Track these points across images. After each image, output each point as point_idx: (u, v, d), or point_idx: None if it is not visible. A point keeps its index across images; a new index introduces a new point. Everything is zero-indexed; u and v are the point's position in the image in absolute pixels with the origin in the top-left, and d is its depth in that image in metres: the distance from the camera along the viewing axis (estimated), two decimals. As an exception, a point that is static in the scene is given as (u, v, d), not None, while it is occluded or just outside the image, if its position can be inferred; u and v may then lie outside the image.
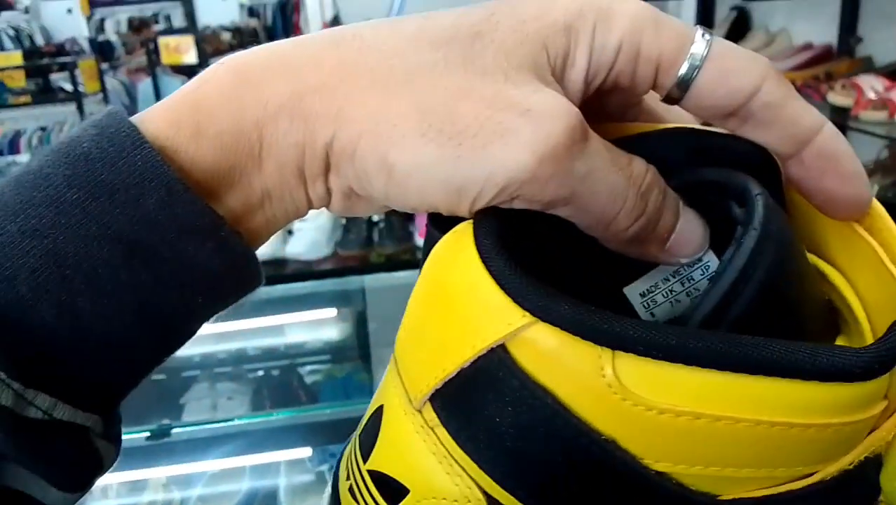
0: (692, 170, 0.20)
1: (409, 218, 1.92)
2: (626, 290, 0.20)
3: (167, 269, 0.18)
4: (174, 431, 0.77)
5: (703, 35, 0.18)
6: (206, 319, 0.20)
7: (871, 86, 1.40)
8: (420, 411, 0.18)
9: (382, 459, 0.19)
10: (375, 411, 0.19)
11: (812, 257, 0.20)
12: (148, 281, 0.18)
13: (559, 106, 0.17)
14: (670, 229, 0.18)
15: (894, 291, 0.18)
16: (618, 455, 0.16)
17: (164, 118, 0.19)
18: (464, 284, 0.17)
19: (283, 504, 0.90)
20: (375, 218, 1.87)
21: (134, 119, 0.19)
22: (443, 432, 0.18)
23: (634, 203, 0.18)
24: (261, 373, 1.58)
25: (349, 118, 0.18)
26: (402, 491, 0.18)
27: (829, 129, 0.18)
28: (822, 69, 1.60)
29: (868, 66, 1.57)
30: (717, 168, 0.19)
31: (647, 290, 0.20)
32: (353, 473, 0.20)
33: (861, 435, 0.17)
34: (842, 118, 1.41)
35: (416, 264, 0.26)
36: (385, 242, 1.74)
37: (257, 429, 0.88)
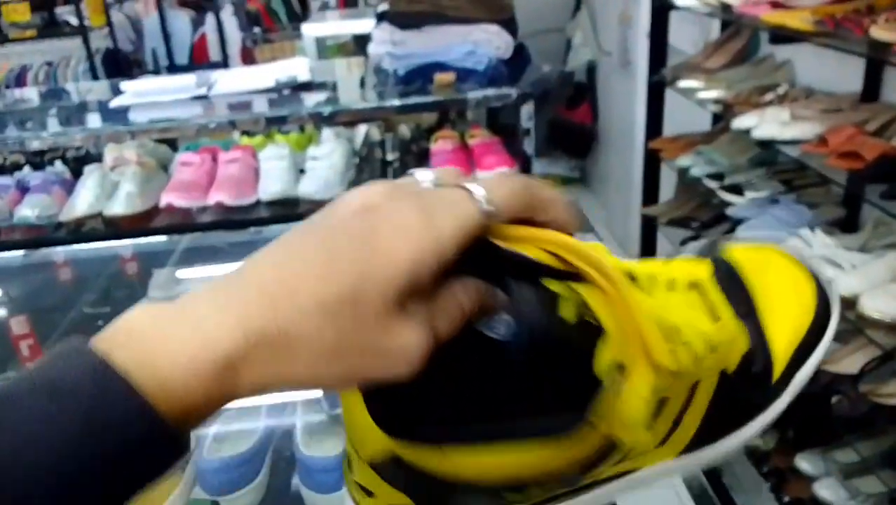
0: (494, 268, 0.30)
1: (423, 158, 1.87)
2: (478, 325, 0.31)
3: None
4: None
5: (482, 201, 0.29)
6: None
7: (918, 19, 1.32)
8: (369, 465, 0.32)
9: (360, 477, 0.33)
10: (349, 455, 0.34)
11: (574, 284, 0.29)
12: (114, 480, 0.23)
13: (415, 343, 0.27)
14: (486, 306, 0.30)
15: (615, 302, 0.29)
16: (473, 483, 0.30)
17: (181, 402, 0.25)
18: (368, 426, 0.30)
19: (300, 443, 0.88)
20: (390, 157, 1.82)
21: (153, 393, 0.24)
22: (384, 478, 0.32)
23: (469, 310, 0.29)
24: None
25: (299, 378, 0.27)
26: (371, 494, 0.33)
27: (559, 198, 0.32)
28: (863, 2, 1.51)
29: (913, -1, 1.49)
30: (501, 268, 0.30)
31: (490, 325, 0.31)
32: (349, 481, 0.35)
33: (585, 448, 0.29)
34: (883, 54, 1.33)
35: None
36: (400, 182, 1.70)
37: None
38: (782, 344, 0.38)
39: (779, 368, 0.37)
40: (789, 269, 0.40)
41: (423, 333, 0.27)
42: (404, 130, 1.95)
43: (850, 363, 1.52)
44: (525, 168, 1.68)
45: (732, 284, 0.39)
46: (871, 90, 1.68)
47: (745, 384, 0.36)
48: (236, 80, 1.74)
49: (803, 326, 0.38)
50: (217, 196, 1.63)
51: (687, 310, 0.35)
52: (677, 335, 0.31)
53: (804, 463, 1.64)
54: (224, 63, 3.82)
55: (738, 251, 0.41)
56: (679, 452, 0.37)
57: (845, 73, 1.73)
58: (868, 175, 1.41)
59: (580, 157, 3.94)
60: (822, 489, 1.58)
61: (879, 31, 1.33)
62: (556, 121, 3.81)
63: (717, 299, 0.37)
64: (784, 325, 0.38)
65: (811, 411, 1.59)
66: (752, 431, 0.38)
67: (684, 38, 2.35)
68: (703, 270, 0.38)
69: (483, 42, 1.61)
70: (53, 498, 0.22)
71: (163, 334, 0.25)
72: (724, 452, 0.38)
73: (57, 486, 0.22)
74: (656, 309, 0.31)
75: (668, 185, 2.35)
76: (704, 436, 0.36)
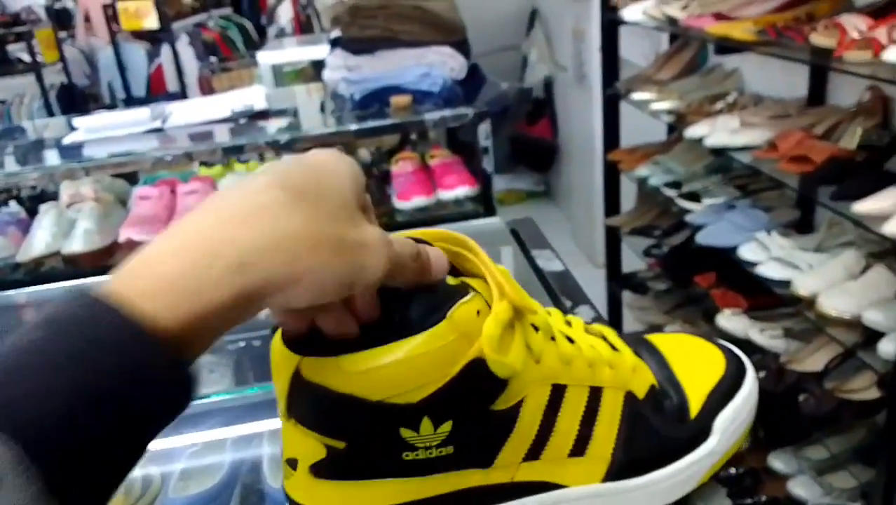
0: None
1: (386, 181, 1.87)
2: None
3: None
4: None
5: None
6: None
7: (855, 25, 1.36)
8: (287, 418, 0.36)
9: (289, 450, 0.37)
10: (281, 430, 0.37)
11: (468, 280, 0.37)
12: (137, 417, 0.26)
13: (380, 238, 0.31)
14: (430, 266, 0.35)
15: (495, 284, 0.36)
16: (362, 399, 0.33)
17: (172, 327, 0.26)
18: (281, 352, 0.34)
19: (268, 476, 0.86)
20: (351, 181, 1.81)
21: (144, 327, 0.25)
22: (297, 423, 0.35)
23: (417, 265, 0.34)
24: (242, 344, 1.54)
25: (291, 285, 0.28)
26: (296, 462, 0.36)
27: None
28: (802, 10, 1.56)
29: (849, 5, 1.54)
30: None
31: None
32: (292, 488, 0.38)
33: (452, 358, 0.34)
34: (824, 59, 1.37)
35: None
36: (362, 206, 1.69)
37: (238, 405, 0.84)
38: (695, 387, 0.44)
39: (695, 405, 0.43)
40: (698, 342, 0.48)
41: (385, 236, 0.32)
42: (364, 154, 1.95)
43: (814, 361, 1.56)
44: (486, 184, 1.69)
45: (643, 347, 0.46)
46: (816, 94, 1.73)
47: (661, 417, 0.42)
48: (192, 111, 1.73)
49: (715, 376, 0.44)
50: (177, 229, 1.61)
51: (584, 336, 0.41)
52: (550, 331, 0.38)
53: (777, 462, 1.67)
54: (182, 93, 3.79)
55: (651, 335, 0.48)
56: (604, 474, 0.40)
57: (791, 79, 1.78)
58: (818, 177, 1.45)
59: (543, 171, 3.99)
60: (796, 487, 1.60)
61: (819, 38, 1.38)
62: (517, 137, 3.85)
63: (618, 343, 0.43)
64: (696, 374, 0.44)
65: (779, 410, 1.62)
66: (684, 468, 0.42)
67: (636, 51, 2.40)
68: (612, 332, 0.44)
69: (437, 64, 1.63)
70: (57, 408, 0.24)
71: (151, 246, 0.28)
72: (661, 488, 0.42)
73: (59, 395, 0.24)
74: (542, 315, 0.38)
75: (629, 196, 2.39)
76: (630, 463, 0.41)
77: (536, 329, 0.38)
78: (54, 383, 0.24)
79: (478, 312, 0.34)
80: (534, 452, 0.38)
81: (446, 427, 0.35)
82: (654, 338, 0.48)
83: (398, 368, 0.33)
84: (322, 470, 0.35)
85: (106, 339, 0.25)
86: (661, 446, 0.41)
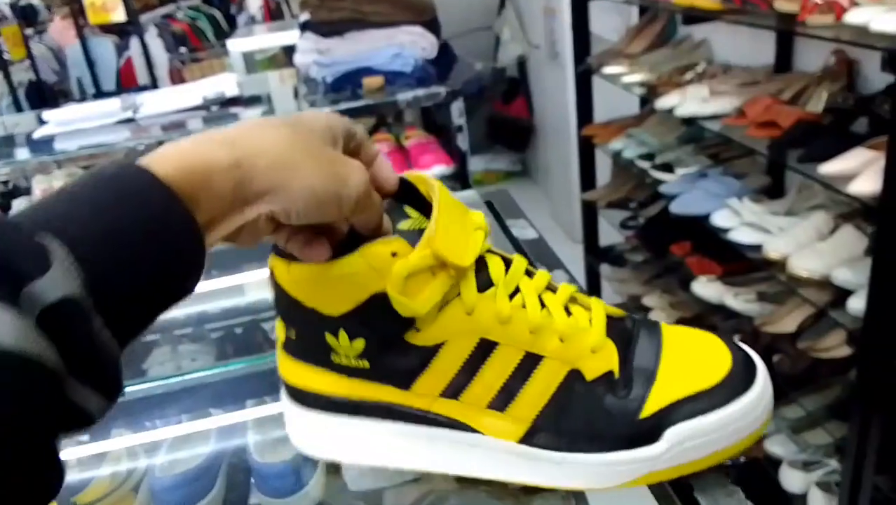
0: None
1: (361, 163, 1.88)
2: None
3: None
4: (128, 389, 0.73)
5: None
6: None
7: (816, -10, 1.38)
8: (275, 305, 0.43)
9: (277, 328, 0.44)
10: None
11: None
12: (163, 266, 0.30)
13: (360, 164, 0.37)
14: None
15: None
16: (299, 302, 0.40)
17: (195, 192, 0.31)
18: (271, 255, 0.41)
19: (254, 453, 0.87)
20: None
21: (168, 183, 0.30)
22: (275, 309, 0.43)
23: (382, 210, 0.40)
24: (224, 332, 1.54)
25: (281, 186, 0.34)
26: (276, 338, 0.45)
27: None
28: (766, -23, 1.58)
29: (812, -29, 1.56)
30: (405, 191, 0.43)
31: None
32: (282, 361, 0.46)
33: (361, 287, 0.38)
34: (788, 25, 1.39)
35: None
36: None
37: (218, 380, 0.85)
38: (668, 389, 0.41)
39: (652, 407, 0.41)
40: (718, 347, 0.44)
41: (363, 166, 0.37)
42: (339, 137, 1.95)
43: (788, 323, 1.59)
44: (462, 163, 1.70)
45: (647, 330, 0.44)
46: (783, 61, 1.75)
47: (605, 405, 0.41)
48: (163, 100, 1.72)
49: (700, 386, 0.41)
50: (154, 219, 1.61)
51: (555, 307, 0.41)
52: (496, 292, 0.40)
53: (755, 423, 1.70)
54: (153, 86, 3.75)
55: (669, 325, 0.45)
56: (521, 436, 0.41)
57: (759, 47, 1.80)
58: (786, 141, 1.48)
59: (520, 150, 4.00)
60: (773, 446, 1.64)
61: (782, 3, 1.39)
62: (493, 117, 3.86)
63: (597, 320, 0.42)
64: (680, 377, 0.42)
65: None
66: (612, 462, 0.41)
67: (607, 26, 2.41)
68: (601, 307, 0.43)
69: (408, 44, 1.63)
70: (98, 245, 0.28)
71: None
72: (582, 471, 0.41)
73: (95, 220, 0.28)
74: (499, 274, 0.41)
75: (605, 171, 2.41)
76: (553, 435, 0.41)
77: (490, 286, 0.40)
78: (87, 212, 0.28)
79: (393, 254, 0.38)
80: (451, 392, 0.41)
81: (360, 343, 0.40)
82: (670, 328, 0.45)
83: (318, 285, 0.39)
84: (287, 348, 0.44)
85: (128, 181, 0.29)
86: (593, 433, 0.41)
